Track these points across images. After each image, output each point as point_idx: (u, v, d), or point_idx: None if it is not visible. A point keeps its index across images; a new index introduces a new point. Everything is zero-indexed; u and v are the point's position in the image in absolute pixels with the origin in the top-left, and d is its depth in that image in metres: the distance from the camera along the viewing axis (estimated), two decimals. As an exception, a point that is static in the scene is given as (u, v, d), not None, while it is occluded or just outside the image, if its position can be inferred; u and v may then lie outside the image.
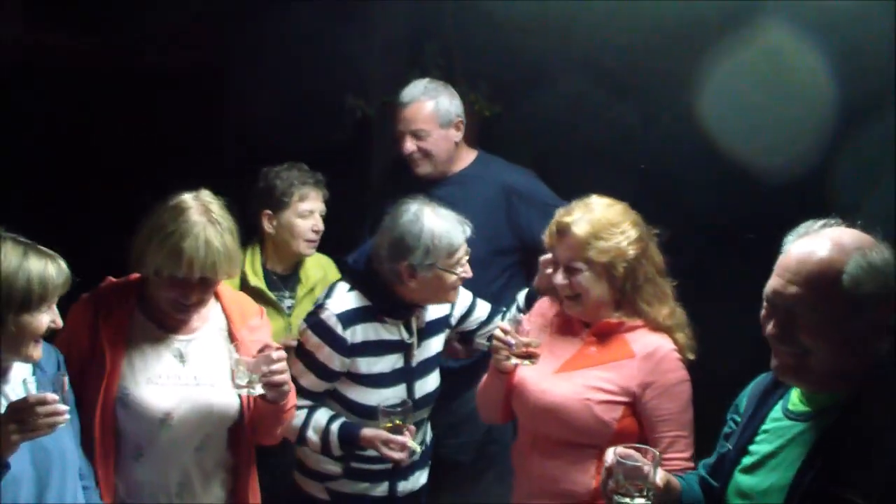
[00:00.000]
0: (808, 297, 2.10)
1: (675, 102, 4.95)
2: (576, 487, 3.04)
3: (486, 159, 4.17)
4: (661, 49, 4.90)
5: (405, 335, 3.32)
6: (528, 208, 3.86)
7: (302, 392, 3.28)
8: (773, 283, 2.19)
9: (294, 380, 3.23)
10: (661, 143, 5.20)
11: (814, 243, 2.13)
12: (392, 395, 3.29)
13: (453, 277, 3.24)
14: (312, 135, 5.24)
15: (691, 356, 3.06)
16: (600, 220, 3.01)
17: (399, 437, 3.16)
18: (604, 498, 2.40)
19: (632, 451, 2.38)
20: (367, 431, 3.21)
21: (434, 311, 3.45)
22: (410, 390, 3.36)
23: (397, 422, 3.17)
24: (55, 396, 2.47)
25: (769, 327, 2.19)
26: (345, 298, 3.27)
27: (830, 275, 2.09)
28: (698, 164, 4.76)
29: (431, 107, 3.98)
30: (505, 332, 3.08)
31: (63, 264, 2.60)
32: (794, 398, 2.23)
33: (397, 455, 3.18)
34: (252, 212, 3.90)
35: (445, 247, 3.18)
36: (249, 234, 3.91)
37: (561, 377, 3.07)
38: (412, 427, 3.21)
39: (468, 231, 3.27)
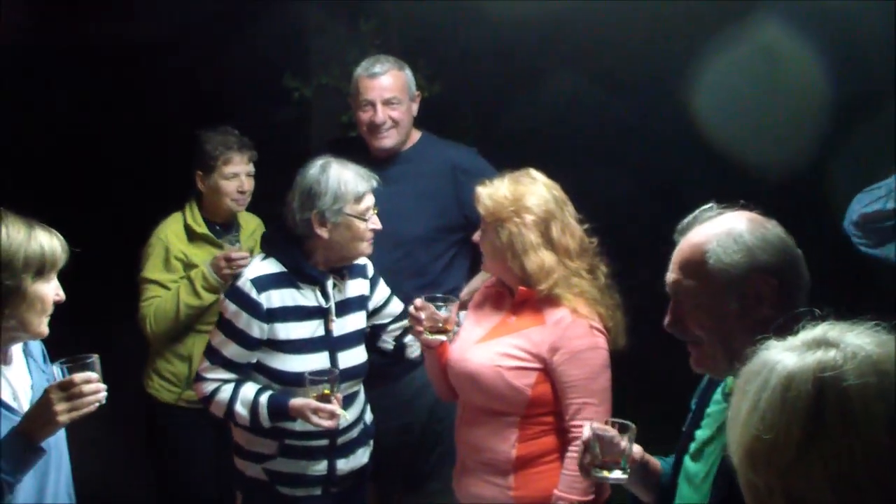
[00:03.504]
0: (684, 282, 2.08)
1: (673, 100, 4.99)
2: (497, 456, 3.08)
3: (430, 138, 4.17)
4: (661, 46, 4.94)
5: (321, 301, 3.31)
6: (475, 184, 3.88)
7: (226, 364, 3.26)
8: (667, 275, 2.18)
9: (216, 351, 3.26)
10: (660, 141, 5.27)
11: (695, 231, 2.12)
12: (315, 362, 3.27)
13: (363, 226, 3.26)
14: (254, 115, 5.21)
15: (593, 321, 3.05)
16: (505, 185, 3.09)
17: (327, 406, 3.14)
18: (581, 473, 2.41)
19: (608, 427, 2.36)
20: (296, 401, 3.18)
21: (352, 289, 3.42)
22: (333, 360, 3.33)
23: (325, 391, 3.17)
24: (97, 375, 2.51)
25: (665, 320, 2.16)
26: (259, 265, 3.29)
27: (697, 257, 2.06)
28: (696, 161, 4.82)
29: (403, 78, 3.99)
30: (417, 308, 3.14)
31: (61, 237, 2.59)
32: (731, 379, 2.15)
33: (326, 423, 3.15)
34: (190, 170, 4.12)
35: (352, 192, 3.22)
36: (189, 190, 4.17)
37: (480, 346, 3.13)
38: (339, 395, 3.19)
39: (374, 183, 3.30)
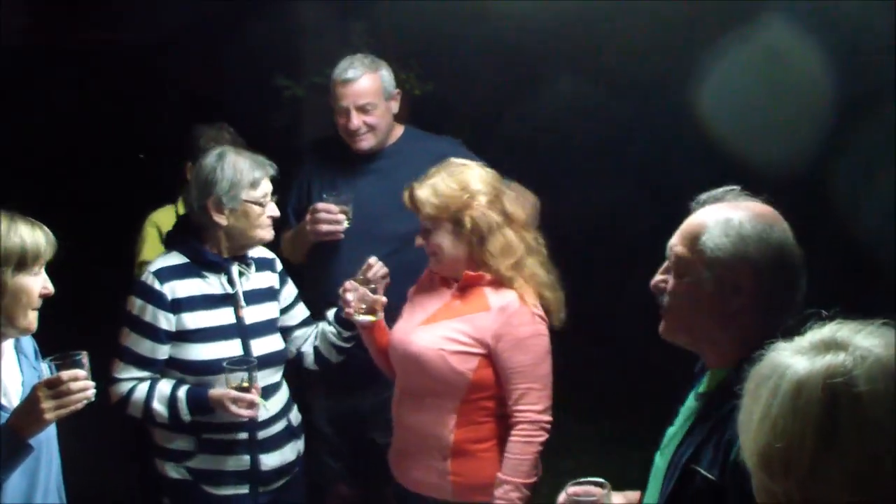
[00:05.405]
0: (676, 248, 2.14)
1: (674, 100, 4.99)
2: (436, 441, 3.12)
3: (413, 132, 4.18)
4: (662, 47, 4.93)
5: (227, 288, 3.32)
6: None
7: (138, 361, 3.26)
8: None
9: (127, 350, 3.26)
10: (660, 141, 5.26)
11: (709, 207, 2.15)
12: (227, 350, 3.27)
13: (260, 211, 3.28)
14: (248, 115, 5.20)
15: (536, 308, 3.10)
16: (443, 179, 3.12)
17: (246, 395, 3.16)
18: None
19: (586, 489, 2.40)
20: (215, 392, 3.20)
21: (261, 280, 3.43)
22: (246, 348, 3.32)
23: (244, 383, 3.15)
24: (85, 373, 2.52)
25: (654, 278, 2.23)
26: (162, 259, 3.34)
27: (695, 230, 2.11)
28: (697, 161, 4.80)
29: (378, 80, 3.96)
30: (346, 289, 3.27)
31: (48, 231, 2.58)
32: (705, 379, 2.21)
33: (245, 412, 3.17)
34: (180, 163, 4.17)
35: (248, 178, 3.25)
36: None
37: (424, 329, 3.17)
38: (258, 385, 3.20)
39: (272, 171, 3.32)
